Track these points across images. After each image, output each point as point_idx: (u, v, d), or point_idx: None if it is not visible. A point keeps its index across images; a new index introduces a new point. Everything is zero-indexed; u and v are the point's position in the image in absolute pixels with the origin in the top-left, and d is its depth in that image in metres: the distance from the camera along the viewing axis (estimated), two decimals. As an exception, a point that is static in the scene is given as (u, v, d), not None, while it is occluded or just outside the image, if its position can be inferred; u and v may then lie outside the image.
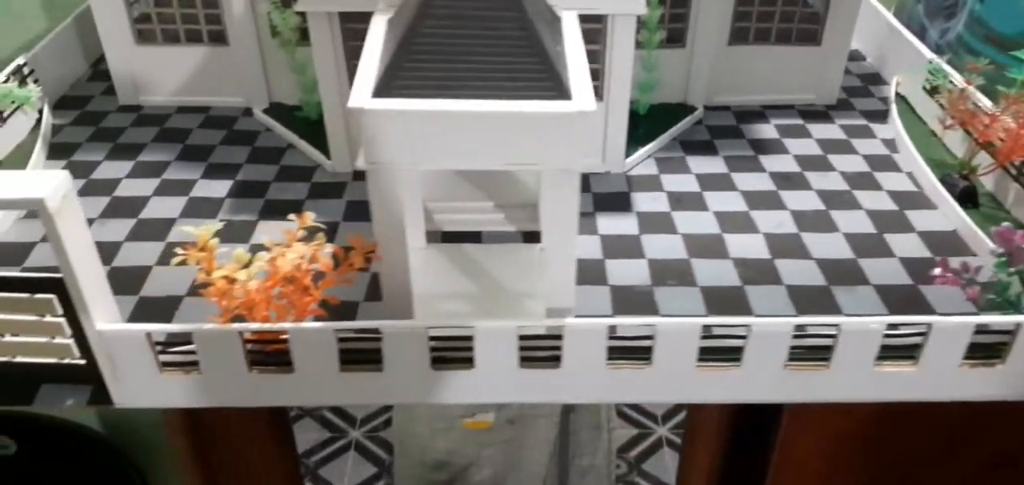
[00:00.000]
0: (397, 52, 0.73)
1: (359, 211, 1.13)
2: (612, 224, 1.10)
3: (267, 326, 0.78)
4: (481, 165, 0.74)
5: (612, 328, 0.81)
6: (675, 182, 1.19)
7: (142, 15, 1.31)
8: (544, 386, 0.83)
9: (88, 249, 0.75)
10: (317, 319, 0.81)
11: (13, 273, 0.77)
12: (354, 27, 1.11)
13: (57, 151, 1.25)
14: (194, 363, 0.81)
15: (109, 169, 1.21)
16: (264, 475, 1.18)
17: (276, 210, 1.13)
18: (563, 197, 0.77)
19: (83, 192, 1.15)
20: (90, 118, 1.34)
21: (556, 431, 2.13)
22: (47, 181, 0.70)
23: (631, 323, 0.84)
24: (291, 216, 0.80)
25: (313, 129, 1.28)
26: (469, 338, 0.82)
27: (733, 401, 0.87)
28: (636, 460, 2.89)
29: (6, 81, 1.22)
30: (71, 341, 0.81)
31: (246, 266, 0.77)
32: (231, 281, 0.76)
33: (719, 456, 1.20)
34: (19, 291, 0.77)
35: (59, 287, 0.76)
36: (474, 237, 1.07)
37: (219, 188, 1.17)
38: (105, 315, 0.78)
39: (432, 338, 0.80)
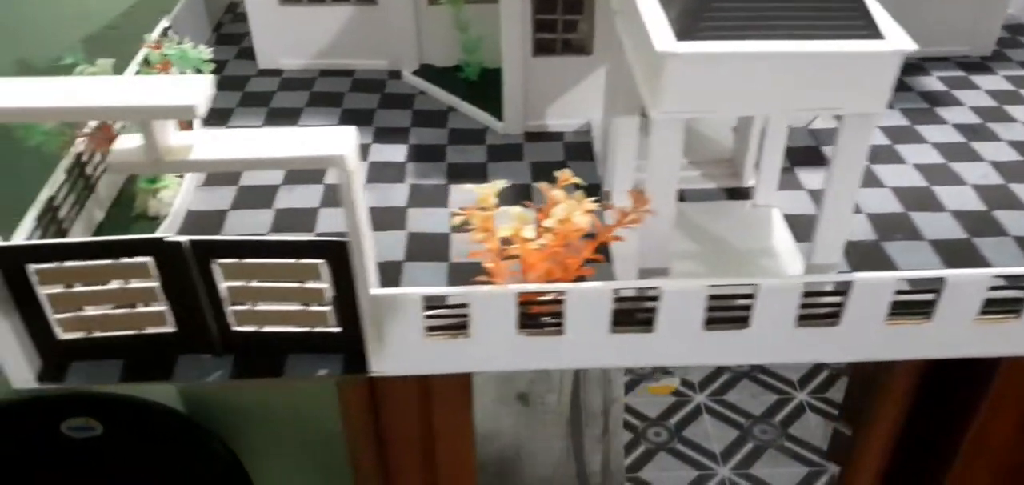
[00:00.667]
0: (697, -4, 0.70)
1: (543, 172, 1.10)
2: (814, 179, 1.07)
3: (549, 286, 0.75)
4: (780, 110, 0.71)
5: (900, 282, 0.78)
6: (860, 136, 1.16)
7: (289, -23, 1.27)
8: (818, 344, 0.80)
9: (365, 211, 0.72)
10: (582, 278, 0.78)
11: (289, 238, 0.73)
12: (544, -18, 1.07)
13: (212, 118, 1.20)
14: (461, 327, 0.78)
15: (275, 135, 1.16)
16: (443, 440, 1.16)
17: (460, 174, 1.09)
18: (857, 145, 0.74)
19: (257, 159, 1.11)
20: (233, 83, 1.30)
21: (568, 405, 2.09)
22: (344, 138, 0.66)
23: (921, 276, 0.80)
24: (557, 174, 0.77)
25: (473, 90, 1.25)
26: (736, 297, 0.79)
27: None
28: (782, 424, 2.86)
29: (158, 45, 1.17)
30: (329, 308, 0.77)
31: (532, 226, 0.73)
32: (514, 241, 0.72)
33: (903, 421, 1.18)
34: (283, 256, 0.74)
35: (338, 251, 0.72)
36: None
37: (396, 153, 1.13)
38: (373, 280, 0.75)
39: (711, 298, 0.77)
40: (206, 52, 1.04)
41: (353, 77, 1.32)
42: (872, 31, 0.69)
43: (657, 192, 0.77)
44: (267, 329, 0.79)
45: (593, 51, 1.13)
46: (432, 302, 0.79)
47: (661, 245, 0.81)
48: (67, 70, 0.95)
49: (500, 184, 0.74)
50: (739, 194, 1.05)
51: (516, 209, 0.74)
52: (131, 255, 0.72)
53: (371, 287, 0.74)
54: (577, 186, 0.79)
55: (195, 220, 0.99)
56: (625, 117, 0.94)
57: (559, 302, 0.76)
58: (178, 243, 0.72)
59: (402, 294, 0.75)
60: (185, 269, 0.73)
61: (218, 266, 0.74)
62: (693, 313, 0.78)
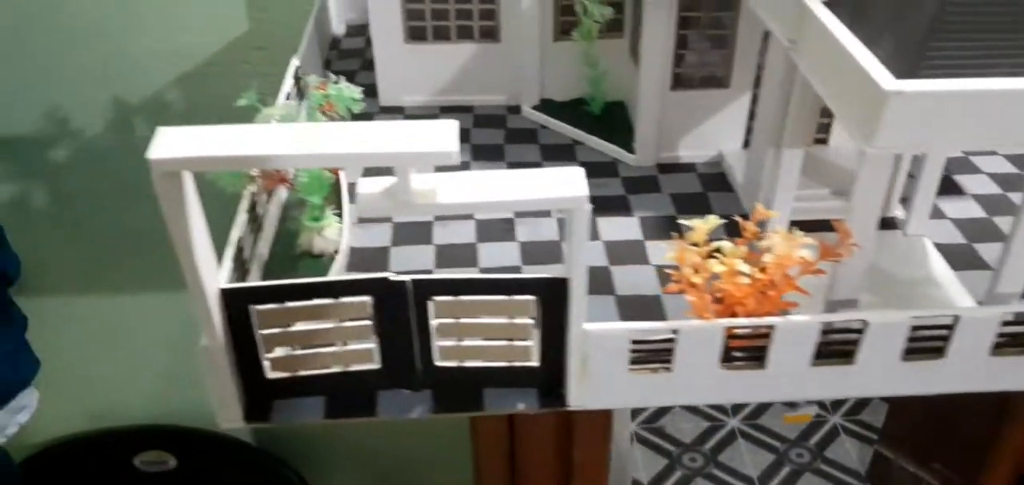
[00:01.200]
0: (916, 31, 0.71)
1: (684, 204, 1.11)
2: (954, 208, 1.08)
3: (756, 321, 0.76)
4: (1004, 146, 0.72)
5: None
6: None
7: (415, 12, 1.29)
8: (1015, 372, 0.81)
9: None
10: (784, 312, 0.79)
11: (504, 275, 0.75)
12: (687, 15, 1.09)
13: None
14: (664, 361, 0.79)
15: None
16: (580, 474, 1.16)
17: (602, 207, 1.10)
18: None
19: (401, 194, 1.13)
20: (361, 120, 1.31)
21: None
22: (576, 180, 0.68)
23: None
24: (754, 207, 0.78)
25: (598, 123, 1.27)
26: (934, 327, 0.80)
27: None
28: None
29: (295, 88, 1.19)
30: (533, 343, 0.79)
31: (740, 261, 0.74)
32: (725, 278, 0.74)
33: None
34: (498, 293, 0.75)
35: (556, 289, 0.73)
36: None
37: (535, 186, 1.15)
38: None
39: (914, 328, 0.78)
40: (357, 92, 1.06)
41: (473, 112, 1.34)
42: (1087, 67, 0.70)
43: (860, 225, 0.78)
44: (468, 364, 0.80)
45: (731, 84, 1.15)
46: (639, 336, 0.80)
47: (854, 277, 0.82)
48: (247, 112, 0.96)
49: (713, 221, 0.75)
50: (884, 223, 1.07)
51: (727, 244, 0.76)
52: (353, 295, 0.74)
53: (583, 323, 0.75)
54: (769, 219, 0.80)
55: (360, 257, 1.00)
56: (789, 150, 0.95)
57: (763, 336, 0.77)
58: (402, 283, 0.73)
59: (612, 329, 0.76)
60: (402, 307, 0.74)
61: (434, 304, 0.75)
62: (894, 344, 0.78)
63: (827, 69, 0.80)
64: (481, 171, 0.70)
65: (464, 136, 1.27)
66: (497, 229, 1.04)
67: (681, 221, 0.76)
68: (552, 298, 0.74)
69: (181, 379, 2.18)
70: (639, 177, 1.17)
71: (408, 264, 1.00)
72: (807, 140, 0.95)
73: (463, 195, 0.66)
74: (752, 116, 1.18)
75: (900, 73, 0.70)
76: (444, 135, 0.64)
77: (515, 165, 1.20)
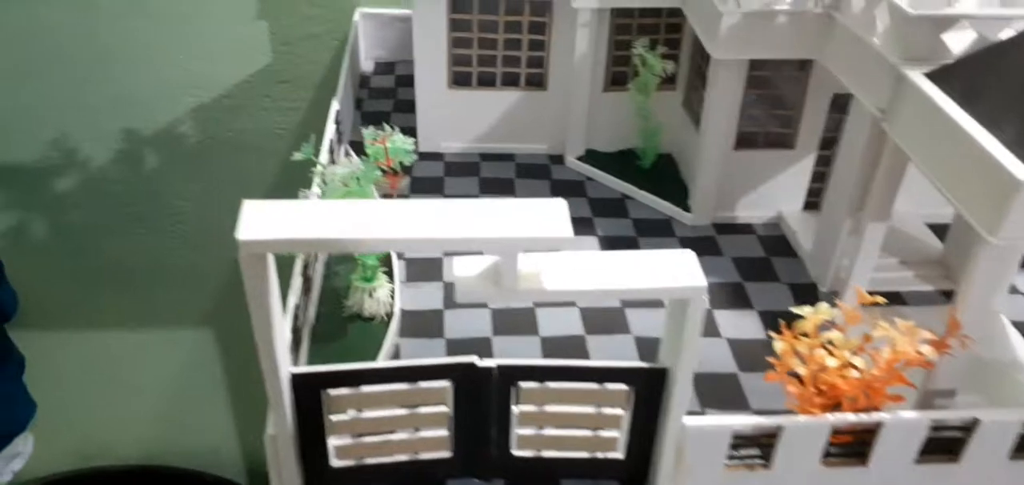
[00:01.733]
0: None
1: (747, 268, 1.06)
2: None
3: (867, 417, 0.70)
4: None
5: None
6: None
7: (462, 58, 1.23)
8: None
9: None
10: (889, 405, 0.73)
11: (597, 364, 0.69)
12: (757, 74, 1.05)
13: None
14: (764, 458, 0.73)
15: (459, 224, 1.12)
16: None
17: (662, 269, 1.05)
18: None
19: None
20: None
21: None
22: (692, 267, 0.62)
23: None
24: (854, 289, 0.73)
25: (648, 177, 1.21)
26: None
27: None
28: None
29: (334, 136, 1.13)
30: (618, 434, 0.73)
31: (853, 352, 0.69)
32: (842, 368, 0.68)
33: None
34: (589, 381, 0.69)
35: (655, 379, 0.68)
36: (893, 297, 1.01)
37: (587, 244, 1.09)
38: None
39: None
40: (409, 143, 1.00)
41: (515, 161, 1.28)
42: None
43: (973, 317, 0.73)
44: (547, 454, 0.74)
45: (795, 145, 1.11)
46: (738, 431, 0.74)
47: (958, 368, 0.77)
48: (302, 166, 0.90)
49: (824, 311, 0.70)
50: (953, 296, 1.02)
51: (837, 335, 0.70)
52: (432, 379, 0.67)
53: (682, 416, 0.69)
54: (876, 303, 0.74)
55: (412, 320, 0.94)
56: (874, 223, 0.90)
57: (869, 432, 0.72)
58: (488, 369, 0.67)
59: (713, 424, 0.70)
60: (484, 393, 0.68)
61: (519, 390, 0.69)
62: (1004, 443, 0.73)
63: (935, 147, 0.76)
64: (587, 253, 0.64)
65: (510, 188, 1.22)
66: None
67: (792, 309, 0.70)
68: (649, 389, 0.69)
69: (175, 420, 2.08)
70: (697, 238, 1.12)
71: (463, 328, 0.94)
72: (884, 214, 0.90)
73: (571, 282, 0.60)
74: (815, 178, 1.14)
75: (1032, 160, 0.66)
76: (556, 217, 0.58)
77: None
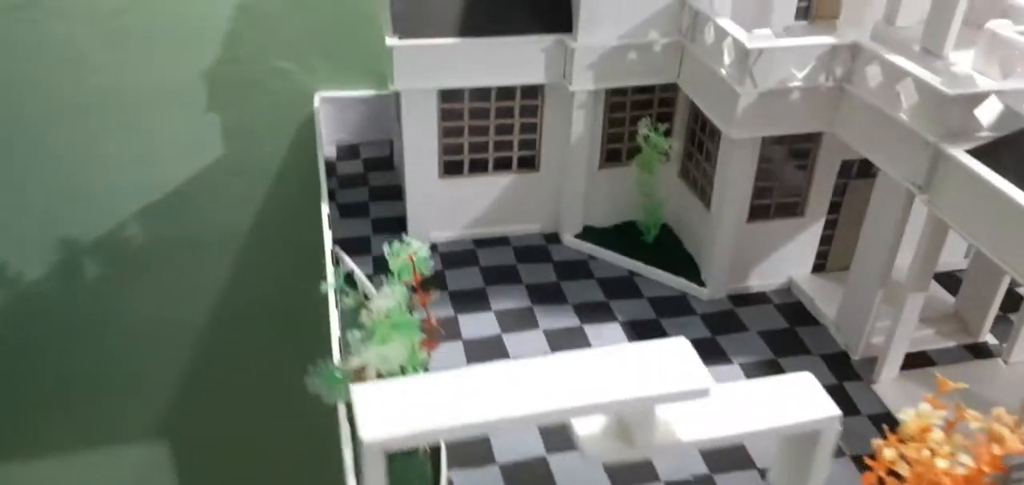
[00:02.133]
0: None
1: (782, 343, 1.05)
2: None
3: (971, 513, 0.69)
4: None
5: None
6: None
7: (453, 147, 1.18)
8: None
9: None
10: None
11: None
12: (768, 149, 1.05)
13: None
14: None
15: (475, 324, 1.07)
16: None
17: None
18: None
19: (474, 356, 1.01)
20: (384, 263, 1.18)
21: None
22: (816, 393, 0.60)
23: None
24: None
25: (651, 252, 1.19)
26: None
27: None
28: None
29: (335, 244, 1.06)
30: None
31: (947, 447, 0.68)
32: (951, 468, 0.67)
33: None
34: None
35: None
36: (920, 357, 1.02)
37: (614, 333, 1.06)
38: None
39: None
40: (424, 250, 0.94)
41: (511, 245, 1.24)
42: None
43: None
44: None
45: (806, 213, 1.11)
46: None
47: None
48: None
49: (928, 414, 0.68)
50: (975, 350, 1.04)
51: (939, 434, 0.69)
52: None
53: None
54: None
55: (460, 449, 0.88)
56: (913, 294, 0.91)
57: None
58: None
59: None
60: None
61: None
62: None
63: (996, 225, 0.76)
64: (721, 386, 0.60)
65: (514, 275, 1.17)
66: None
67: (899, 417, 0.69)
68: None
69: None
70: (717, 313, 1.10)
71: (514, 449, 0.88)
72: (924, 285, 0.91)
73: (706, 429, 0.56)
74: (823, 242, 1.14)
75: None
76: (688, 362, 0.55)
77: (581, 306, 1.10)
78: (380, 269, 1.15)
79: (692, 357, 0.55)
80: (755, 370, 1.00)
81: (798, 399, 0.59)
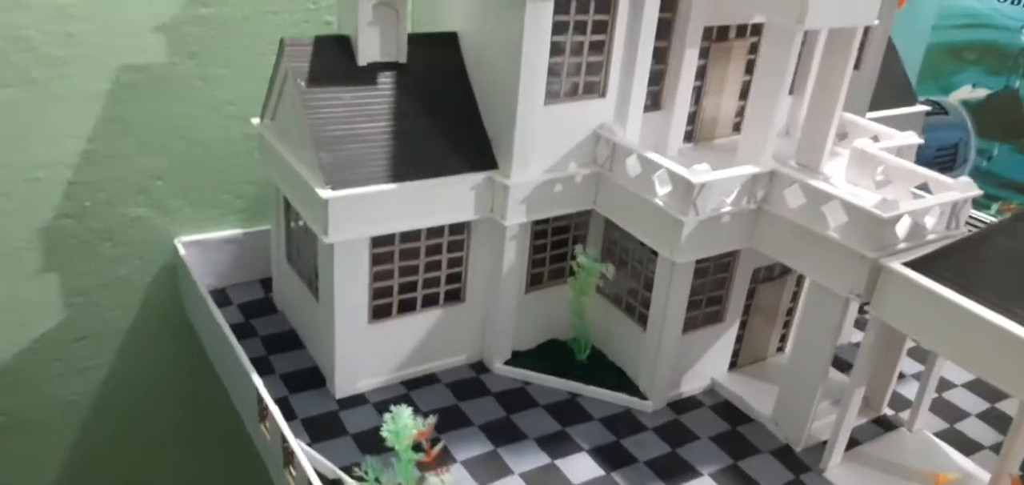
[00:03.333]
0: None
1: (736, 446, 1.11)
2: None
3: None
4: None
5: None
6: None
7: (383, 290, 1.12)
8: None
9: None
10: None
11: None
12: (699, 266, 1.12)
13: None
14: None
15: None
16: None
17: (668, 472, 1.06)
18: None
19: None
20: (329, 428, 1.08)
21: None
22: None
23: None
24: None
25: (586, 371, 1.22)
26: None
27: None
28: None
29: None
30: None
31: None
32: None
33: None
34: None
35: None
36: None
37: (584, 466, 1.06)
38: None
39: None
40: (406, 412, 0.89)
41: (442, 382, 1.19)
42: None
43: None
44: None
45: (726, 319, 1.20)
46: None
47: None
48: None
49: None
50: (882, 424, 1.19)
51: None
52: None
53: None
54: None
55: None
56: (858, 388, 1.03)
57: None
58: None
59: None
60: None
61: None
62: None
63: (944, 330, 0.89)
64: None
65: (458, 417, 1.13)
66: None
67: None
68: None
69: None
70: (665, 424, 1.15)
71: None
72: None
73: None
74: (737, 340, 1.24)
75: None
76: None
77: (543, 439, 1.09)
78: (319, 436, 1.06)
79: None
80: (724, 478, 1.05)
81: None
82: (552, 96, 1.10)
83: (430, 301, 1.17)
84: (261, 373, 1.14)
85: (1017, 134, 1.66)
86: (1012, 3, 1.61)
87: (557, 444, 1.09)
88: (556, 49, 1.07)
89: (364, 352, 1.13)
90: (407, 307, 1.16)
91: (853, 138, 1.27)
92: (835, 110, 1.14)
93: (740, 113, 1.28)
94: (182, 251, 1.32)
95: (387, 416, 0.88)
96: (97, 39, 1.17)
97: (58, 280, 1.27)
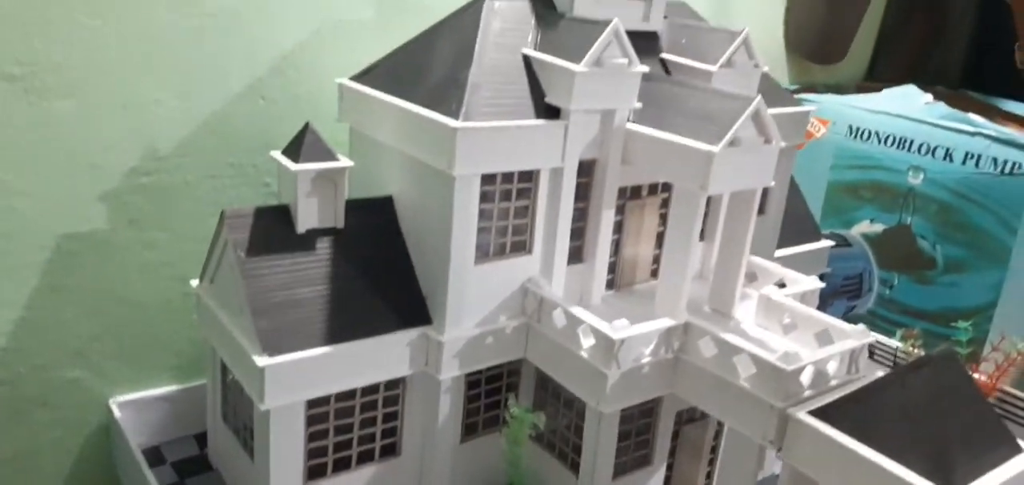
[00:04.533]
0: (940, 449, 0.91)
1: None
2: None
3: None
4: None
5: None
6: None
7: (318, 450, 1.14)
8: None
9: None
10: None
11: None
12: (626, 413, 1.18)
13: None
14: None
15: None
16: None
17: None
18: None
19: None
20: None
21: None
22: None
23: None
24: None
25: (522, 521, 1.25)
26: None
27: None
28: None
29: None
30: None
31: None
32: None
33: None
34: None
35: None
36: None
37: None
38: None
39: None
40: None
41: (380, 539, 1.21)
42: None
43: None
44: None
45: (653, 462, 1.26)
46: None
47: None
48: None
49: None
50: None
51: None
52: None
53: None
54: None
55: None
56: (772, 529, 1.08)
57: None
58: None
59: None
60: None
61: None
62: None
63: (846, 477, 0.96)
64: None
65: (395, 575, 1.14)
66: None
67: None
68: None
69: None
70: (593, 571, 1.18)
71: None
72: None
73: None
74: (666, 481, 1.30)
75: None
76: None
77: None
78: None
79: None
80: None
81: None
82: (482, 255, 1.17)
83: (366, 457, 1.20)
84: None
85: (912, 266, 1.79)
86: (897, 148, 1.78)
87: None
88: (484, 215, 1.14)
89: (299, 522, 1.15)
90: (342, 465, 1.18)
91: (763, 281, 1.37)
92: (742, 259, 1.24)
93: (656, 260, 1.37)
94: (116, 412, 1.32)
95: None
96: (39, 212, 1.21)
97: (-15, 452, 1.26)
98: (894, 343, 1.60)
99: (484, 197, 1.13)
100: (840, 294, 1.96)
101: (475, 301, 1.17)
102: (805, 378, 1.06)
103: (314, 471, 1.15)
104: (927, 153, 1.73)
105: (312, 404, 1.12)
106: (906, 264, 1.80)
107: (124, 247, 1.29)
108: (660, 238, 1.36)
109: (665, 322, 1.14)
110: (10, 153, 1.17)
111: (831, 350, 1.10)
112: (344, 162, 1.16)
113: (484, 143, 1.09)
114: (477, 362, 1.20)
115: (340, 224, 1.17)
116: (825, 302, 1.84)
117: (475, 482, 1.29)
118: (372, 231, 1.20)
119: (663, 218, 1.35)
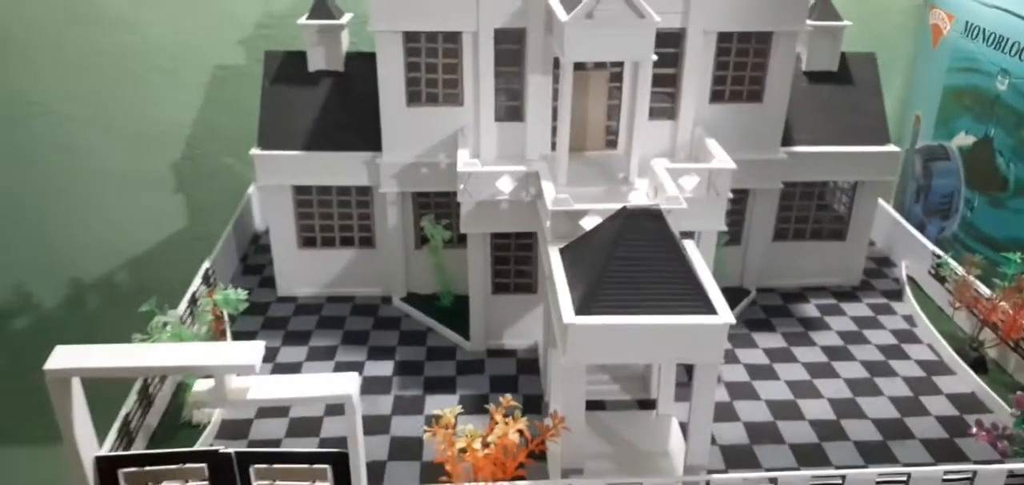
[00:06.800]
0: (591, 283, 1.04)
1: (501, 384, 1.41)
2: (707, 393, 1.38)
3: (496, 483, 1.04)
4: (650, 360, 1.02)
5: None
6: (748, 355, 1.49)
7: (306, 227, 1.63)
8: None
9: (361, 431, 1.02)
10: (518, 479, 1.07)
11: (306, 450, 1.04)
12: (498, 241, 1.43)
13: (239, 339, 1.52)
14: (429, 514, 1.06)
15: (290, 354, 1.49)
16: None
17: (434, 386, 1.40)
18: (706, 382, 1.06)
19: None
20: (257, 309, 1.62)
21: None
22: (350, 381, 0.98)
23: (777, 475, 1.10)
24: (501, 399, 1.08)
25: (447, 315, 1.58)
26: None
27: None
28: None
29: (205, 284, 1.52)
30: (333, 502, 1.06)
31: (480, 439, 1.04)
32: (468, 450, 1.03)
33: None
34: (300, 464, 1.04)
35: (340, 461, 1.02)
36: (598, 405, 1.35)
37: (384, 368, 1.45)
38: (365, 480, 1.04)
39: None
40: (243, 294, 1.38)
41: (354, 302, 1.65)
42: (709, 309, 1.02)
43: (568, 415, 1.08)
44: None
45: (537, 291, 1.48)
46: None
47: (575, 451, 1.11)
48: (146, 316, 1.27)
49: (457, 409, 1.05)
50: (648, 404, 1.36)
51: (470, 427, 1.05)
52: (193, 463, 1.02)
53: (363, 486, 1.03)
54: (514, 407, 1.09)
55: (228, 427, 1.29)
56: (554, 349, 1.26)
57: (503, 495, 1.06)
58: (227, 455, 1.01)
59: (385, 490, 1.04)
60: (230, 474, 1.03)
61: (254, 470, 1.03)
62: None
63: (551, 305, 1.12)
64: (284, 376, 0.99)
65: (341, 323, 1.59)
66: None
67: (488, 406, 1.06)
68: (340, 469, 1.03)
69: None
70: (470, 361, 1.48)
71: (265, 433, 1.29)
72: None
73: (264, 393, 0.96)
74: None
75: (581, 311, 1.02)
76: (250, 352, 0.95)
77: (375, 349, 1.50)
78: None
79: (256, 353, 0.95)
80: (469, 401, 1.35)
81: (329, 386, 0.98)
82: (414, 99, 1.49)
83: (346, 242, 1.65)
84: (253, 274, 1.73)
85: (988, 186, 1.53)
86: (994, 47, 1.50)
87: (380, 353, 1.49)
88: (412, 67, 1.47)
89: (296, 268, 1.65)
90: (328, 242, 1.64)
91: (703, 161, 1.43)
92: (633, 129, 1.35)
93: (610, 130, 1.52)
94: (251, 191, 1.96)
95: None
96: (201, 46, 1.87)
97: (183, 200, 2.01)
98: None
99: (411, 52, 1.45)
100: (934, 214, 1.75)
101: (410, 136, 1.51)
102: (585, 223, 1.20)
103: (305, 241, 1.64)
104: (1016, 54, 1.45)
105: (298, 191, 1.59)
106: (983, 183, 1.55)
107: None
108: (612, 111, 1.50)
109: (517, 168, 1.35)
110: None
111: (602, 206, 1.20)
112: (342, 20, 1.58)
113: (398, 4, 1.41)
114: (412, 185, 1.54)
115: (340, 68, 1.61)
116: (923, 220, 1.73)
117: (428, 280, 1.64)
118: (363, 76, 1.60)
119: (612, 92, 1.49)
